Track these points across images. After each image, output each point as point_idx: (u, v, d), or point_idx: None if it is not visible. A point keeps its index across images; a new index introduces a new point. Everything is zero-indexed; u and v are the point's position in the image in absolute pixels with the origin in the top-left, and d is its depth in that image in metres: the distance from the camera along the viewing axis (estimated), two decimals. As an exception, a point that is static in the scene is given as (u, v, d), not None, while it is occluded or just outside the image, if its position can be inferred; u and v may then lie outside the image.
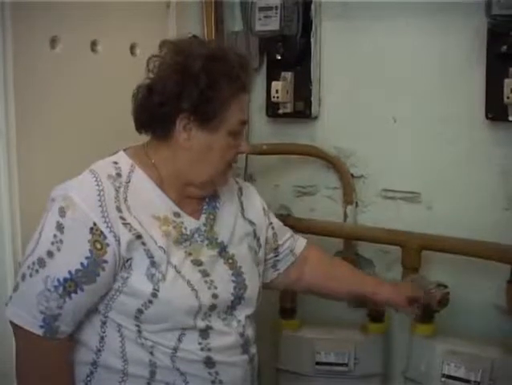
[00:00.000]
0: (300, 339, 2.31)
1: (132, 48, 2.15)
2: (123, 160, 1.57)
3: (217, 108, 1.50)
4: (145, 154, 1.58)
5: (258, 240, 1.73)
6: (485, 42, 2.05)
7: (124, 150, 1.61)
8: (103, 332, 1.53)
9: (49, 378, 1.50)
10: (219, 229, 1.62)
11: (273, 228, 1.81)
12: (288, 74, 2.37)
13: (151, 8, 2.19)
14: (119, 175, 1.53)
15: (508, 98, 1.98)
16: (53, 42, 1.89)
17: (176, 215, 1.56)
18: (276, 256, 1.82)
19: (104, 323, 1.53)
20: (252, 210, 1.74)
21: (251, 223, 1.72)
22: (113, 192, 1.50)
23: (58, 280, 1.45)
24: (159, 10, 2.24)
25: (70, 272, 1.45)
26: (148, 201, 1.54)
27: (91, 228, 1.45)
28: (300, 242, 1.88)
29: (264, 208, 1.80)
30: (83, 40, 1.99)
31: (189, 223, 1.58)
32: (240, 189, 1.76)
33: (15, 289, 1.51)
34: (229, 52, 1.56)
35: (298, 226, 2.22)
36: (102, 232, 1.45)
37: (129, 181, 1.53)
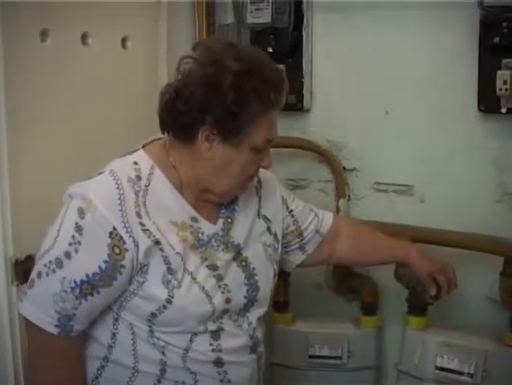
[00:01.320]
0: (293, 333, 2.30)
1: (124, 41, 2.13)
2: (144, 160, 1.53)
3: (241, 125, 1.46)
4: (166, 153, 1.54)
5: (276, 235, 1.70)
6: (477, 34, 2.04)
7: (144, 147, 1.57)
8: (115, 329, 1.52)
9: (61, 374, 1.50)
10: (236, 232, 1.60)
11: (293, 215, 1.78)
12: (280, 67, 2.35)
13: (142, 0, 2.17)
14: (138, 177, 1.50)
15: (500, 90, 1.98)
16: (43, 34, 1.86)
17: (194, 220, 1.54)
18: (302, 240, 1.80)
19: (117, 320, 1.52)
20: (270, 204, 1.71)
21: (266, 220, 1.69)
22: (133, 197, 1.47)
23: (75, 282, 1.43)
24: (150, 3, 2.23)
25: (87, 275, 1.44)
26: (167, 206, 1.51)
27: (111, 233, 1.43)
28: (326, 220, 1.85)
29: (283, 197, 1.76)
30: (73, 33, 1.96)
31: (206, 228, 1.56)
32: (259, 182, 1.71)
33: (30, 286, 1.49)
34: (264, 67, 1.49)
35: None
36: (121, 237, 1.43)
37: (149, 184, 1.50)
